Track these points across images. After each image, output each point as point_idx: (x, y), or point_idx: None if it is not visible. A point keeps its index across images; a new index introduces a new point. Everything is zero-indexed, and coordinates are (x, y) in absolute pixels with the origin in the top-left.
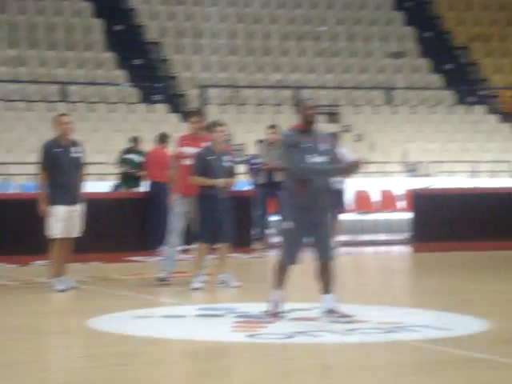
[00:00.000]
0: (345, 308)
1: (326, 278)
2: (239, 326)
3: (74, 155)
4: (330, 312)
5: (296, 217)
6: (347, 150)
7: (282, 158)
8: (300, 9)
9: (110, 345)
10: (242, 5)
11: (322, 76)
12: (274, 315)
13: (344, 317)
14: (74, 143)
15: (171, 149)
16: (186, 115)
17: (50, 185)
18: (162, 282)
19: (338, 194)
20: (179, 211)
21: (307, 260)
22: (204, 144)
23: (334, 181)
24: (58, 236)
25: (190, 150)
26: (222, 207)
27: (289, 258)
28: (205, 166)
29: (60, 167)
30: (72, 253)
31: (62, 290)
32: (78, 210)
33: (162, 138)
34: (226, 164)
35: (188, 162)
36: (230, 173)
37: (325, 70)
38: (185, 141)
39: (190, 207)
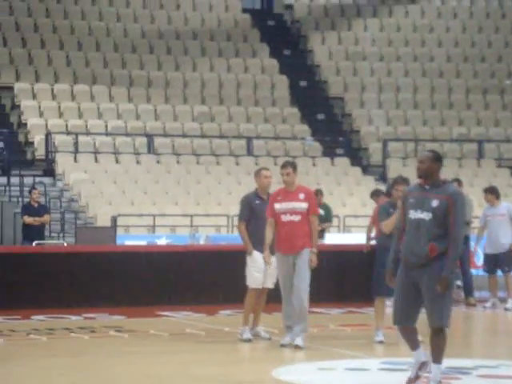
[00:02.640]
0: None
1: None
2: (424, 381)
3: None
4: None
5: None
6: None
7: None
8: (485, 63)
9: None
10: (425, 59)
11: (508, 129)
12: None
13: None
14: None
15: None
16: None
17: (249, 236)
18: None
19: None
20: (281, 271)
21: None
22: (302, 196)
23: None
24: (254, 286)
25: (281, 205)
26: None
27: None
28: (388, 215)
29: (259, 219)
30: (264, 303)
31: (249, 340)
32: (275, 261)
33: (375, 194)
34: None
35: (285, 218)
36: None
37: (511, 123)
38: (277, 196)
39: (288, 266)
